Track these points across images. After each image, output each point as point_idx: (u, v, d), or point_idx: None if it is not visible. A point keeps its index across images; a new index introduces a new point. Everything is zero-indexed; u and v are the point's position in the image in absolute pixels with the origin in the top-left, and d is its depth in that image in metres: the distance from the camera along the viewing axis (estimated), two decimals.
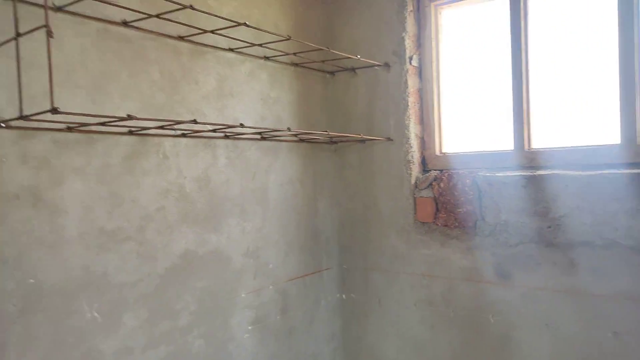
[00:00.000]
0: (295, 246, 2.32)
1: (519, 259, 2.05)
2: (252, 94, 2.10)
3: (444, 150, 2.38)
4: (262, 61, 2.13)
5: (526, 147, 2.13)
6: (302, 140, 2.32)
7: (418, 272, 2.32)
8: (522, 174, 2.03)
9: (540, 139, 2.12)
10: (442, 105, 2.37)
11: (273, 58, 2.16)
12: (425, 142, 2.38)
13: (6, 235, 1.37)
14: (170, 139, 1.78)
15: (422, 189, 2.30)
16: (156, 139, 1.74)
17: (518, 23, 2.10)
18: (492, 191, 2.09)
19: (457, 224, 2.20)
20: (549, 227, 1.97)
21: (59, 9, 1.44)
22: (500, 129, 2.22)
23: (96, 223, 1.57)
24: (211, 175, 1.93)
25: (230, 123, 1.99)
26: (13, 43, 1.30)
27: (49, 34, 1.11)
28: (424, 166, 2.38)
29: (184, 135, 1.81)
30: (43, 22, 1.38)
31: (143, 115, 1.68)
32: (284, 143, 2.25)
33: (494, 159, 2.19)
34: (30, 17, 1.37)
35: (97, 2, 1.43)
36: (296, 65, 2.30)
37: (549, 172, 1.98)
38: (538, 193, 1.99)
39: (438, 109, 2.37)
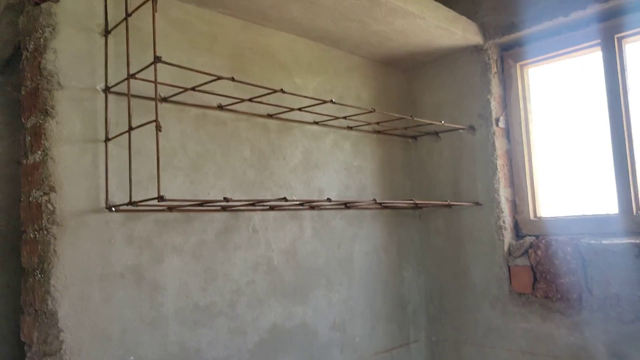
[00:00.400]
0: (382, 317, 2.24)
1: (637, 337, 1.83)
2: (336, 164, 2.13)
3: (538, 214, 2.24)
4: (345, 131, 2.17)
5: (634, 211, 1.94)
6: (386, 207, 2.29)
7: (517, 348, 2.13)
8: (634, 241, 1.84)
9: None
10: (533, 166, 2.25)
11: (356, 127, 2.19)
12: (517, 205, 2.26)
13: (112, 313, 1.43)
14: (259, 213, 1.83)
15: (516, 257, 2.15)
16: (247, 213, 1.79)
17: (615, 77, 1.98)
18: (598, 260, 1.91)
19: (559, 296, 2.02)
20: None
21: (164, 100, 1.56)
22: (601, 190, 2.06)
23: (191, 299, 1.61)
24: (298, 246, 1.94)
25: (315, 194, 2.01)
26: (125, 134, 1.42)
27: (158, 129, 1.19)
28: (517, 232, 2.24)
29: (272, 208, 1.85)
30: (152, 113, 1.50)
31: (235, 191, 1.75)
32: (367, 211, 2.23)
33: (597, 223, 2.02)
34: (140, 107, 1.50)
35: (196, 91, 1.54)
36: (378, 132, 2.31)
37: None
38: None
39: (529, 171, 2.25)
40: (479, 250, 2.25)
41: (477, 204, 2.25)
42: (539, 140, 2.26)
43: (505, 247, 2.18)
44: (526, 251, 2.13)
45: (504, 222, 2.19)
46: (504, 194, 2.22)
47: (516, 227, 2.25)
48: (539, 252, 2.08)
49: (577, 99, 2.15)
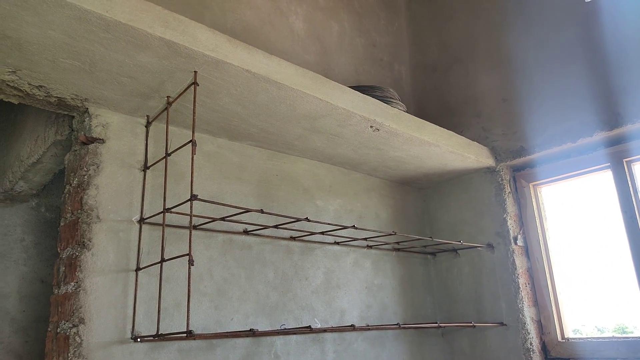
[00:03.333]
0: None
1: None
2: (357, 283, 2.13)
3: (566, 335, 2.16)
4: (365, 250, 2.20)
5: None
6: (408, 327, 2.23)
7: None
8: None
9: None
10: (556, 284, 2.23)
11: (376, 247, 2.23)
12: (544, 326, 2.20)
13: None
14: (282, 337, 1.80)
15: None
16: (269, 338, 1.76)
17: (628, 197, 2.03)
18: None
19: None
20: None
21: (194, 228, 1.63)
22: (629, 307, 2.01)
23: None
24: None
25: (337, 314, 1.99)
26: (157, 264, 1.46)
27: (191, 263, 1.24)
28: (546, 354, 2.16)
29: (294, 333, 1.82)
30: (182, 241, 1.56)
31: (258, 315, 1.74)
32: (390, 331, 2.18)
33: (629, 347, 1.95)
34: (171, 235, 1.56)
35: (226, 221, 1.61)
36: (398, 250, 2.33)
37: None
38: None
39: (552, 289, 2.22)
40: None
41: (502, 324, 2.20)
42: (559, 257, 2.26)
43: None
44: None
45: (531, 344, 2.12)
46: (528, 313, 2.17)
47: (544, 350, 2.17)
48: None
49: (593, 214, 2.19)
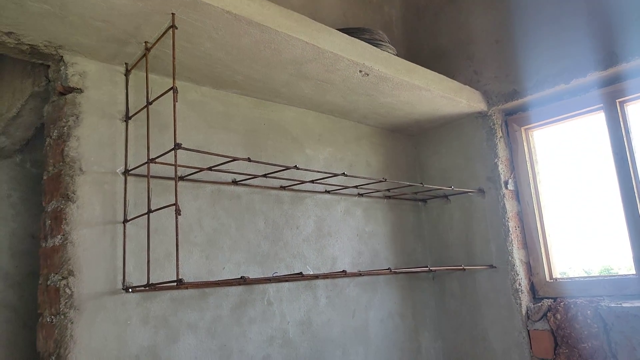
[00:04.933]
0: None
1: None
2: (348, 230, 2.14)
3: (554, 276, 2.21)
4: (356, 198, 2.20)
5: None
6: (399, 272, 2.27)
7: None
8: None
9: None
10: (545, 227, 2.25)
11: (367, 194, 2.22)
12: (532, 267, 2.24)
13: None
14: (274, 284, 1.82)
15: (535, 321, 2.11)
16: (261, 286, 1.78)
17: (620, 138, 2.01)
18: (621, 324, 1.87)
19: None
20: None
21: (180, 178, 1.61)
22: (615, 247, 2.05)
23: None
24: (313, 317, 1.92)
25: (329, 261, 2.01)
26: (145, 215, 1.44)
27: (178, 212, 1.22)
28: (534, 294, 2.21)
29: (286, 280, 1.84)
30: (169, 192, 1.54)
31: (250, 264, 1.75)
32: (381, 276, 2.22)
33: (615, 285, 1.99)
34: (158, 187, 1.54)
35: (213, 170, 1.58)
36: (389, 197, 2.33)
37: None
38: None
39: (542, 231, 2.25)
40: (497, 314, 2.21)
41: (492, 266, 2.23)
42: (550, 200, 2.27)
43: (523, 311, 2.14)
44: (545, 315, 2.09)
45: (520, 284, 2.17)
46: (518, 255, 2.20)
47: (533, 290, 2.22)
48: (558, 316, 2.04)
49: (584, 158, 2.19)
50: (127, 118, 1.51)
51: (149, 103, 1.40)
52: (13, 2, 1.19)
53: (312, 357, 1.88)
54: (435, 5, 2.54)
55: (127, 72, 1.54)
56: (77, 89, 1.43)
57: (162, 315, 1.51)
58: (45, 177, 1.49)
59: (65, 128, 1.41)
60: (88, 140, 1.43)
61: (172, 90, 1.26)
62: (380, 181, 1.91)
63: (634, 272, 1.96)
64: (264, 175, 1.69)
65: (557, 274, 2.22)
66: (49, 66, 1.51)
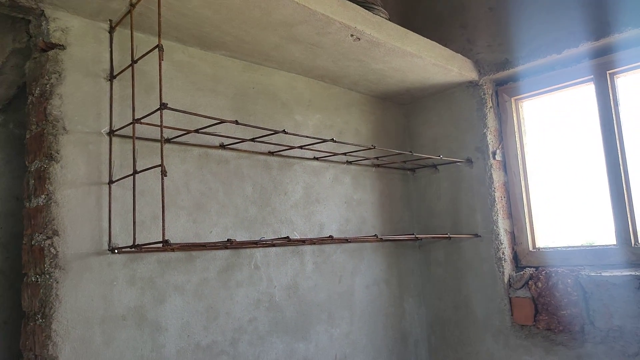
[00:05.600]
0: (384, 351, 2.22)
1: None
2: (337, 198, 2.14)
3: (537, 246, 2.25)
4: (345, 166, 2.19)
5: (632, 242, 1.96)
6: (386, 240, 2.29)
7: None
8: (634, 273, 1.86)
9: None
10: (531, 198, 2.28)
11: (355, 162, 2.22)
12: (516, 237, 2.27)
13: (113, 356, 1.42)
14: (261, 249, 1.83)
15: (517, 289, 2.16)
16: (248, 250, 1.79)
17: (608, 110, 2.02)
18: (599, 292, 1.92)
19: (561, 328, 2.02)
20: None
21: (167, 141, 1.58)
22: (598, 220, 2.08)
23: (193, 339, 1.60)
24: (299, 282, 1.94)
25: (317, 228, 2.02)
26: (131, 177, 1.43)
27: (164, 174, 1.21)
28: (517, 263, 2.25)
29: (273, 245, 1.85)
30: (155, 154, 1.52)
31: (237, 228, 1.75)
32: (367, 243, 2.24)
33: (596, 255, 2.04)
34: (144, 149, 1.52)
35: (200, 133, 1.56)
36: (377, 166, 2.33)
37: None
38: None
39: (527, 202, 2.27)
40: (480, 282, 2.26)
41: (477, 235, 2.27)
42: (536, 172, 2.29)
43: (506, 279, 2.19)
44: (526, 283, 2.13)
45: (503, 253, 2.20)
46: (502, 225, 2.23)
47: (516, 259, 2.26)
48: (539, 284, 2.09)
49: (572, 130, 2.20)
50: (112, 77, 1.47)
51: (134, 62, 1.37)
52: None
53: (298, 320, 1.91)
54: None
55: (112, 29, 1.49)
56: (60, 45, 1.39)
57: (149, 277, 1.52)
58: (28, 136, 1.46)
59: (47, 86, 1.37)
60: (71, 99, 1.40)
61: (157, 49, 1.23)
62: (370, 148, 1.91)
63: (614, 243, 2.00)
64: (252, 140, 1.68)
65: (540, 244, 2.26)
66: (29, 21, 1.46)
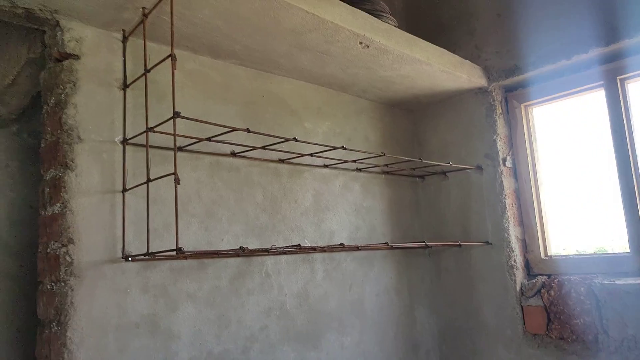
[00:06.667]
0: None
1: None
2: (346, 205, 2.14)
3: (549, 253, 2.23)
4: (354, 173, 2.20)
5: None
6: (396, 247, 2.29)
7: None
8: None
9: None
10: (542, 205, 2.26)
11: (365, 169, 2.22)
12: (527, 244, 2.26)
13: None
14: (272, 257, 1.83)
15: (529, 297, 2.14)
16: (259, 258, 1.79)
17: (619, 116, 2.01)
18: (613, 301, 1.90)
19: (574, 337, 1.99)
20: None
21: (179, 149, 1.60)
22: (611, 227, 2.06)
23: (205, 347, 1.60)
24: (310, 289, 1.94)
25: (326, 235, 2.02)
26: (144, 185, 1.44)
27: (177, 182, 1.22)
28: (529, 271, 2.24)
29: (284, 253, 1.86)
30: (168, 162, 1.53)
31: (248, 236, 1.76)
32: (378, 251, 2.23)
33: (609, 263, 2.02)
34: (157, 157, 1.53)
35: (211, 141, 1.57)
36: (387, 173, 2.33)
37: None
38: None
39: (538, 209, 2.26)
40: (491, 290, 2.24)
41: (488, 243, 2.25)
42: (547, 178, 2.28)
43: (518, 287, 2.17)
44: (539, 291, 2.11)
45: (515, 261, 2.19)
46: (514, 232, 2.22)
47: (527, 267, 2.24)
48: (552, 292, 2.07)
49: (582, 136, 2.19)
50: (125, 86, 1.49)
51: (146, 71, 1.39)
52: None
53: (309, 329, 1.91)
54: None
55: (125, 39, 1.51)
56: (74, 55, 1.41)
57: (162, 285, 1.52)
58: (43, 145, 1.48)
59: (62, 95, 1.39)
60: (86, 108, 1.42)
61: (170, 58, 1.24)
62: (379, 155, 1.91)
63: (628, 250, 1.98)
64: (263, 147, 1.69)
65: (552, 251, 2.24)
66: (44, 32, 1.48)
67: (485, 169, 2.29)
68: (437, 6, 2.49)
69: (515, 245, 2.21)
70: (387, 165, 2.22)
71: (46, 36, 1.47)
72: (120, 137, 1.47)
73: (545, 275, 2.16)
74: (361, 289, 2.13)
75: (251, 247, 1.75)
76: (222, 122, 1.73)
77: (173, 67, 1.23)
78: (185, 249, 1.52)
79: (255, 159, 1.82)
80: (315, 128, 2.07)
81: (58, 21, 1.40)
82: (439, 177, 2.46)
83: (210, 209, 1.68)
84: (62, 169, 1.37)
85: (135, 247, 1.47)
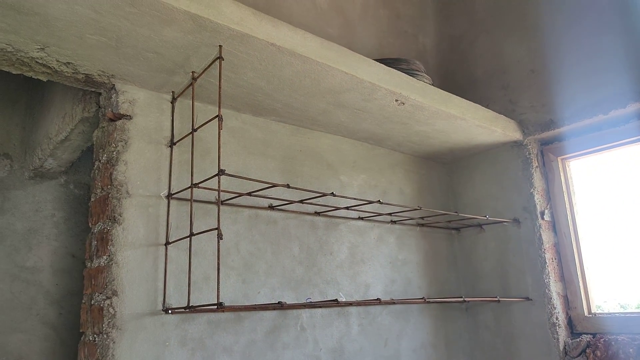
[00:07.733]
0: None
1: None
2: (382, 258, 2.13)
3: (592, 310, 2.14)
4: (389, 225, 2.20)
5: None
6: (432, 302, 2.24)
7: None
8: None
9: None
10: (583, 260, 2.20)
11: (400, 222, 2.22)
12: (570, 301, 2.18)
13: None
14: (307, 310, 1.82)
15: (573, 357, 2.04)
16: (295, 311, 1.79)
17: None
18: None
19: None
20: None
21: (221, 203, 1.64)
22: None
23: None
24: (345, 344, 1.91)
25: (362, 288, 2.01)
26: (186, 238, 1.48)
27: (220, 237, 1.25)
28: (572, 329, 2.15)
29: (321, 306, 1.85)
30: (209, 216, 1.57)
31: (284, 288, 1.77)
32: (414, 305, 2.19)
33: None
34: (199, 210, 1.58)
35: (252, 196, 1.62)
36: (422, 225, 2.32)
37: None
38: None
39: (579, 264, 2.19)
40: (533, 349, 2.15)
41: (528, 299, 2.18)
42: (587, 232, 2.22)
43: (561, 346, 2.08)
44: (584, 351, 2.02)
45: (557, 318, 2.11)
46: (555, 288, 2.15)
47: (570, 324, 2.15)
48: (598, 353, 1.97)
49: (623, 189, 2.14)
50: (172, 144, 1.56)
51: (194, 130, 1.46)
52: (74, 35, 1.27)
53: None
54: (470, 35, 2.57)
55: (174, 100, 1.60)
56: (127, 115, 1.50)
57: (199, 338, 1.53)
58: (92, 199, 1.55)
59: (114, 153, 1.47)
60: (135, 165, 1.49)
61: (217, 118, 1.31)
62: (415, 209, 1.91)
63: None
64: (301, 201, 1.72)
65: (595, 308, 2.15)
66: (100, 93, 1.59)
67: (522, 223, 2.25)
68: (470, 63, 2.55)
69: (557, 302, 2.14)
70: (422, 217, 2.21)
71: (101, 97, 1.57)
72: (165, 192, 1.53)
73: (590, 334, 2.06)
74: (397, 344, 2.08)
75: (287, 299, 1.75)
76: (261, 175, 1.78)
77: (220, 127, 1.29)
78: (225, 303, 1.53)
79: (292, 211, 1.85)
80: (351, 181, 2.10)
81: (114, 85, 1.50)
82: (475, 230, 2.43)
83: (248, 261, 1.70)
84: (110, 223, 1.43)
85: (175, 299, 1.49)
